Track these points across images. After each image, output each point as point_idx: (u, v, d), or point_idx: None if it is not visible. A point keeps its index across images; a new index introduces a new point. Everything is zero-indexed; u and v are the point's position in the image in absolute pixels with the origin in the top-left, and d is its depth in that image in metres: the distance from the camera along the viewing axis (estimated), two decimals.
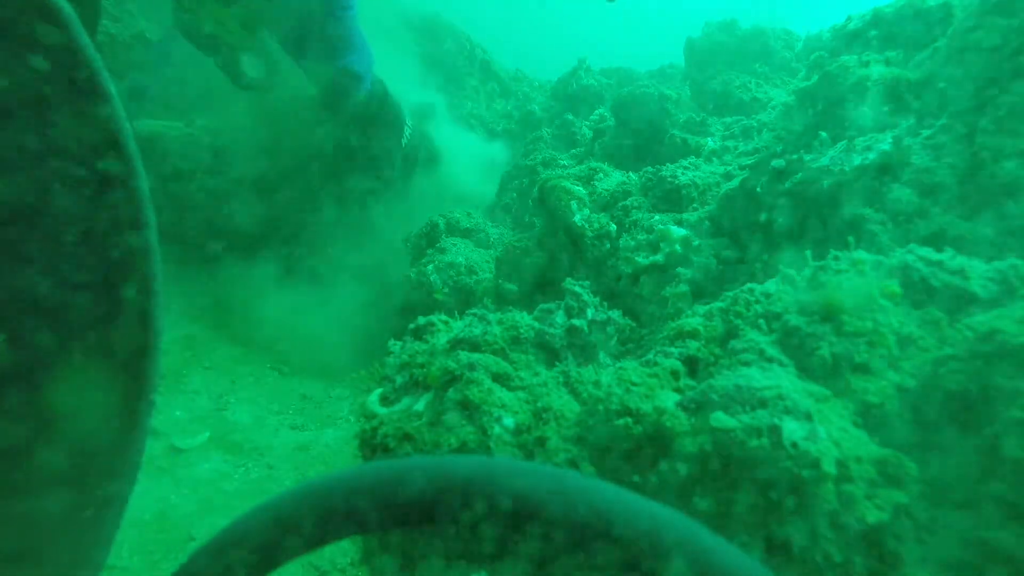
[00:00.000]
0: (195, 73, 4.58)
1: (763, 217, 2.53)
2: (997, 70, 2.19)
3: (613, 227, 2.98)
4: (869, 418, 1.33)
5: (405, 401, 1.70)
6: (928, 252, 1.55)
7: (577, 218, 3.04)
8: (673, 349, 1.60)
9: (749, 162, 2.87)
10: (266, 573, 0.52)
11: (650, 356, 1.61)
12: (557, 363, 1.77)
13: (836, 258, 1.55)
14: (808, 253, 1.64)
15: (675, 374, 1.51)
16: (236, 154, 4.74)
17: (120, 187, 0.92)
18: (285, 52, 4.40)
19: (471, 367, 1.61)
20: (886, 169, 2.22)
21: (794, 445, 1.18)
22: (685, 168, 3.26)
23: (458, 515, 0.49)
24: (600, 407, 1.41)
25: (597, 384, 1.54)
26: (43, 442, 0.98)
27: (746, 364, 1.44)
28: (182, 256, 4.54)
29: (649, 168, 3.29)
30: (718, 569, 0.46)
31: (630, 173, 3.38)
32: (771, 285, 1.67)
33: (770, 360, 1.43)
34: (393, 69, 5.44)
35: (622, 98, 4.39)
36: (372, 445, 1.63)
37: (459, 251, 4.02)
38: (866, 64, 2.80)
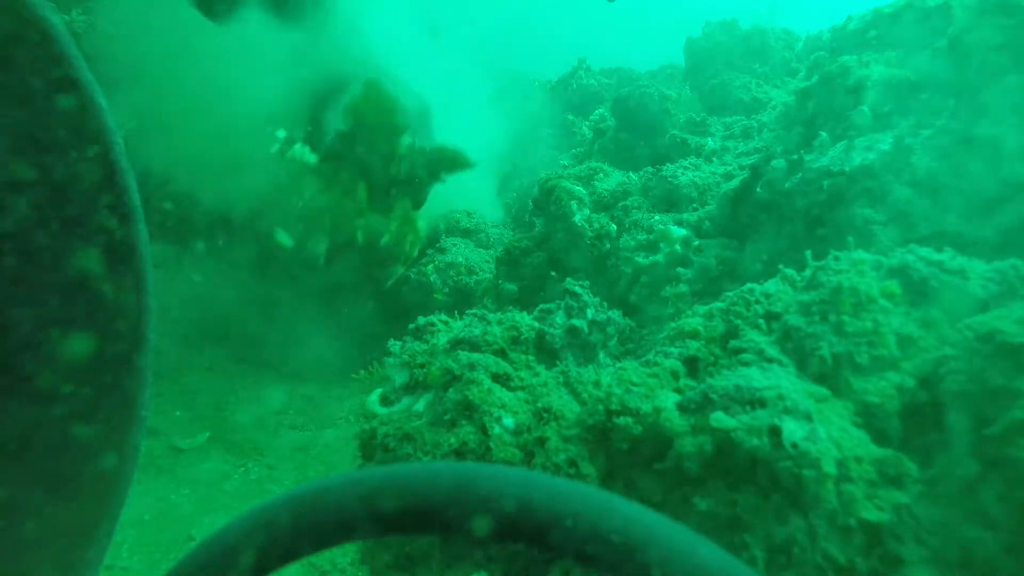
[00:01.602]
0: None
1: (763, 217, 2.53)
2: (997, 70, 2.19)
3: (613, 227, 2.98)
4: (869, 418, 1.33)
5: (405, 401, 1.70)
6: (928, 252, 1.55)
7: (577, 218, 3.04)
8: (673, 349, 1.60)
9: (749, 162, 2.87)
10: None
11: (650, 356, 1.61)
12: (557, 363, 1.77)
13: (836, 258, 1.55)
14: (808, 253, 1.64)
15: (675, 374, 1.51)
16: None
17: (108, 183, 0.92)
18: None
19: (471, 367, 1.61)
20: (886, 169, 2.22)
21: (794, 445, 1.18)
22: (685, 168, 3.26)
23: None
24: (600, 407, 1.41)
25: (597, 384, 1.54)
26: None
27: (746, 364, 1.44)
28: (182, 256, 4.54)
29: (649, 168, 3.29)
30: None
31: (630, 173, 3.39)
32: (771, 285, 1.67)
33: (770, 360, 1.43)
34: None
35: (622, 98, 4.39)
36: (372, 445, 1.63)
37: (459, 251, 4.02)
38: (866, 64, 2.80)
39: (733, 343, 1.54)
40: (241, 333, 4.30)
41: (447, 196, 5.17)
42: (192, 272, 4.46)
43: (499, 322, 1.82)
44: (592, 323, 1.84)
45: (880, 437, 1.31)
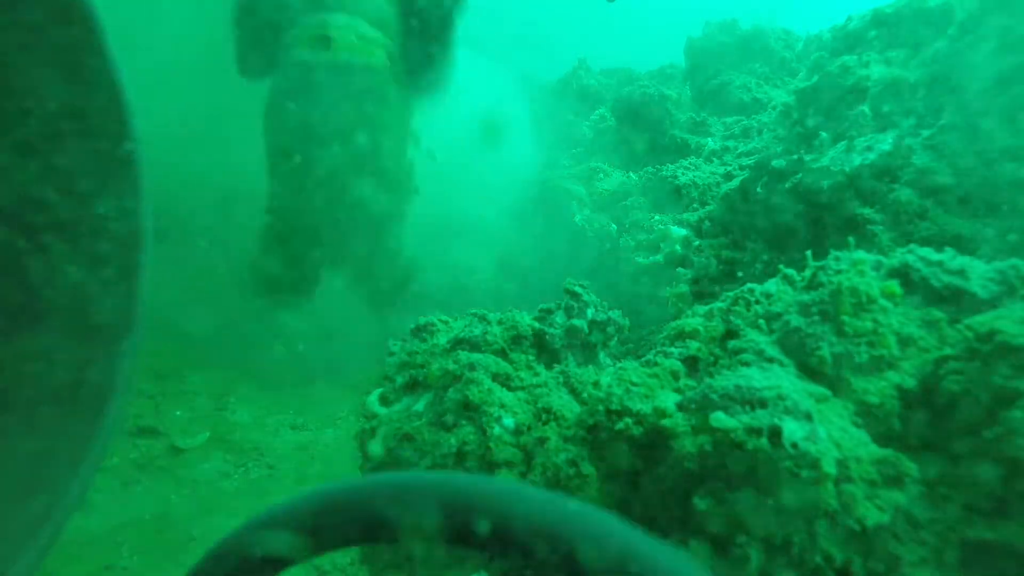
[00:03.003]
0: None
1: (763, 217, 2.53)
2: (998, 70, 2.19)
3: (613, 227, 2.98)
4: (869, 418, 1.33)
5: (405, 401, 1.70)
6: (928, 252, 1.55)
7: (578, 218, 3.04)
8: (673, 349, 1.60)
9: (749, 162, 2.87)
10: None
11: (650, 356, 1.61)
12: (557, 363, 1.77)
13: (836, 258, 1.55)
14: (808, 253, 1.64)
15: (675, 374, 1.51)
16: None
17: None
18: None
19: (471, 367, 1.61)
20: (886, 169, 2.22)
21: (794, 445, 1.18)
22: (685, 168, 3.26)
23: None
24: (600, 407, 1.41)
25: (597, 384, 1.54)
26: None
27: (746, 364, 1.44)
28: (182, 257, 4.53)
29: (649, 168, 3.29)
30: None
31: (630, 173, 3.39)
32: (771, 285, 1.67)
33: (770, 360, 1.43)
34: None
35: (622, 98, 4.39)
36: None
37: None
38: (866, 64, 2.80)
39: (733, 343, 1.53)
40: (243, 333, 4.30)
41: (457, 193, 5.14)
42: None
43: (499, 322, 1.82)
44: (592, 323, 1.84)
45: (880, 437, 1.31)
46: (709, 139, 3.80)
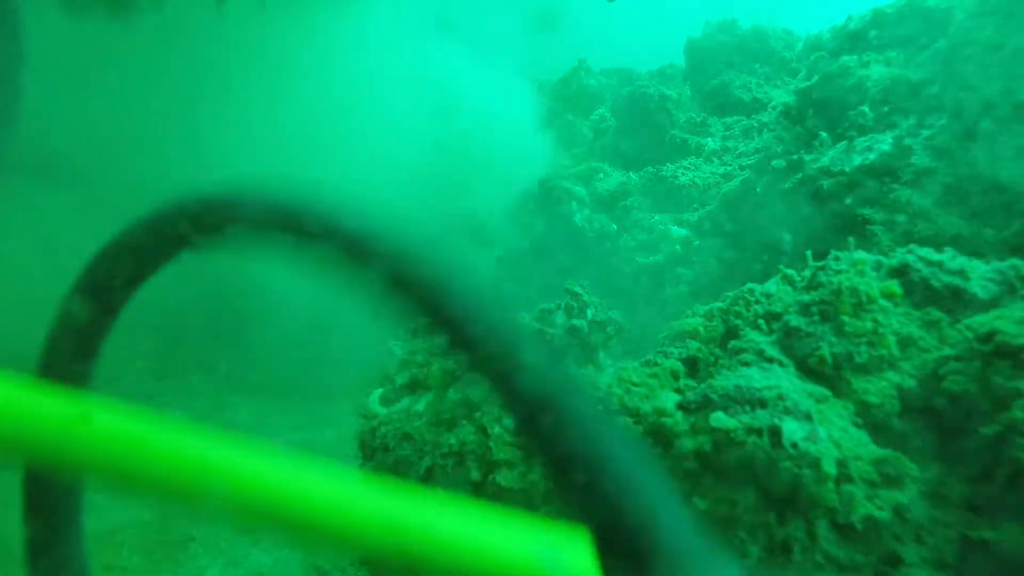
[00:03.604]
0: None
1: (763, 217, 2.53)
2: (998, 70, 2.19)
3: (613, 227, 2.98)
4: (869, 418, 1.33)
5: (405, 401, 1.70)
6: (928, 252, 1.55)
7: (578, 218, 3.05)
8: (673, 349, 1.60)
9: (749, 162, 2.87)
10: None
11: (650, 356, 1.61)
12: None
13: (836, 258, 1.55)
14: (808, 253, 1.64)
15: (675, 374, 1.51)
16: None
17: None
18: None
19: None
20: (886, 169, 2.22)
21: (794, 445, 1.18)
22: (685, 168, 3.26)
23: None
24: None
25: (596, 384, 1.54)
26: None
27: (746, 364, 1.44)
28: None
29: (649, 168, 3.30)
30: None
31: (630, 173, 3.39)
32: (771, 285, 1.67)
33: (770, 360, 1.43)
34: None
35: (622, 98, 4.40)
36: (372, 445, 1.63)
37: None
38: (866, 64, 2.80)
39: (733, 343, 1.54)
40: (242, 334, 4.30)
41: (458, 192, 5.11)
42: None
43: None
44: (592, 323, 1.84)
45: (880, 437, 1.31)
46: (709, 139, 3.80)
